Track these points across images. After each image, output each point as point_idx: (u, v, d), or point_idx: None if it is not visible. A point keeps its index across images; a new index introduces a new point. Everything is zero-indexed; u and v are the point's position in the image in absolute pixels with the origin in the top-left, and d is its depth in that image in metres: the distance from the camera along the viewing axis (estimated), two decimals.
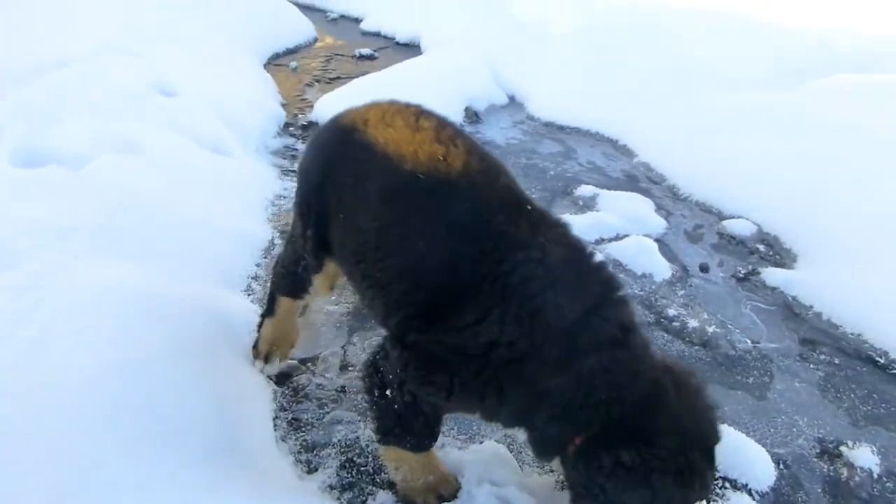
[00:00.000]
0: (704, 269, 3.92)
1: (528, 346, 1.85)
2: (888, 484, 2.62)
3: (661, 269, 3.82)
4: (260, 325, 2.92)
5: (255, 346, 2.92)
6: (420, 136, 2.16)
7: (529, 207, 2.06)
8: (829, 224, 4.18)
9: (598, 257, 2.03)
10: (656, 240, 4.13)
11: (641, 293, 3.62)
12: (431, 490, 2.31)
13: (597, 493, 1.85)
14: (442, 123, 2.28)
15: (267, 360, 2.87)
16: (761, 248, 4.18)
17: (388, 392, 2.15)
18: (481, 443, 2.58)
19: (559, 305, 1.85)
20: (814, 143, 4.95)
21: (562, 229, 2.04)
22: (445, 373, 1.96)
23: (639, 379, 1.86)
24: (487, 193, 2.04)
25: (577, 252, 2.00)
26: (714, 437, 1.91)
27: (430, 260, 2.02)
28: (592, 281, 1.94)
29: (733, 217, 4.46)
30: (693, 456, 1.82)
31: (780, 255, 4.11)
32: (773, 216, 4.40)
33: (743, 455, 2.62)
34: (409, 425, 2.16)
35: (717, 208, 4.58)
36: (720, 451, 2.58)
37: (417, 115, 2.28)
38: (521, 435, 2.13)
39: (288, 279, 2.70)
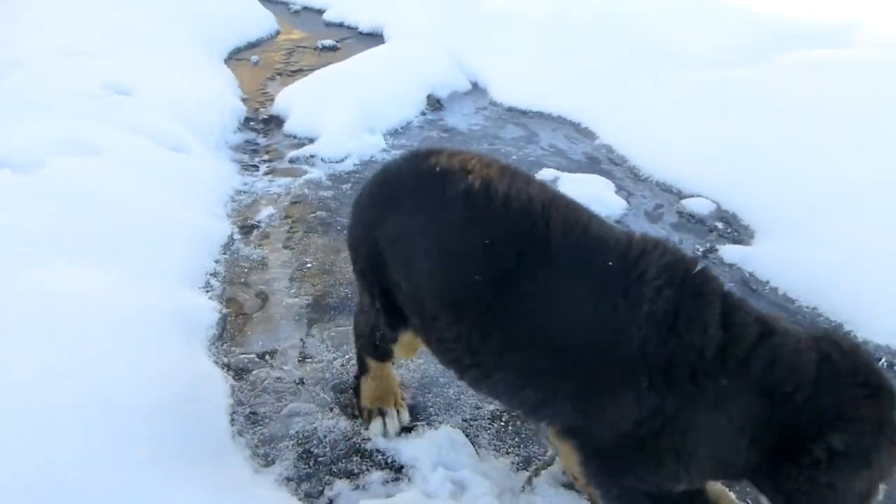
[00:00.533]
0: None
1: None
2: None
3: None
4: (356, 388, 2.67)
5: (359, 410, 2.67)
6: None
7: (628, 239, 1.90)
8: (786, 200, 4.23)
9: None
10: (617, 220, 4.16)
11: None
12: None
13: (824, 494, 1.68)
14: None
15: (375, 417, 2.60)
16: (720, 225, 4.23)
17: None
18: (437, 428, 2.60)
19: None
20: (773, 120, 5.00)
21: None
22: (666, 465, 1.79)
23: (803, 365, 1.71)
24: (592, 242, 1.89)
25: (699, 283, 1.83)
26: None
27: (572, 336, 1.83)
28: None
29: (693, 196, 4.50)
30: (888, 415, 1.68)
31: (737, 231, 4.16)
32: (731, 194, 4.44)
33: None
34: None
35: (677, 188, 4.62)
36: None
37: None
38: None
39: (369, 347, 2.49)
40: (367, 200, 2.27)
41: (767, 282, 3.67)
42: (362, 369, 2.60)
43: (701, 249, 3.94)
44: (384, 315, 2.29)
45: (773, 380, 1.70)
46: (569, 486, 2.42)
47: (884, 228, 3.77)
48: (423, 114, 5.75)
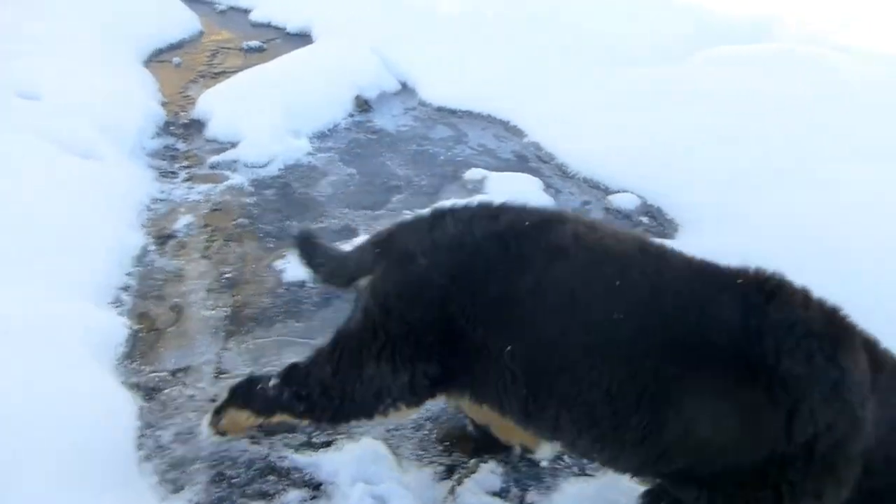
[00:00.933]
0: None
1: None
2: None
3: None
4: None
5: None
6: None
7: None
8: (708, 193, 4.29)
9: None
10: None
11: None
12: None
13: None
14: None
15: None
16: (645, 219, 4.26)
17: None
18: (357, 440, 2.51)
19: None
20: (696, 115, 5.08)
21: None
22: None
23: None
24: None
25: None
26: None
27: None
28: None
29: (619, 192, 4.52)
30: None
31: (662, 225, 4.20)
32: (656, 189, 4.48)
33: None
34: None
35: (604, 184, 4.64)
36: None
37: None
38: None
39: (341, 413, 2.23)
40: (444, 270, 1.96)
41: None
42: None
43: None
44: (424, 384, 2.05)
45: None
46: (494, 493, 2.38)
47: (802, 215, 3.86)
48: (351, 115, 5.63)
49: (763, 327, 1.71)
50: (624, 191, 4.52)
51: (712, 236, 3.89)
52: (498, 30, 6.65)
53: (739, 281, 1.82)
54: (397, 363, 2.02)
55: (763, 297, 1.77)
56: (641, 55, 6.16)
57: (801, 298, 1.79)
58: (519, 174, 4.64)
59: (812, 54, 5.91)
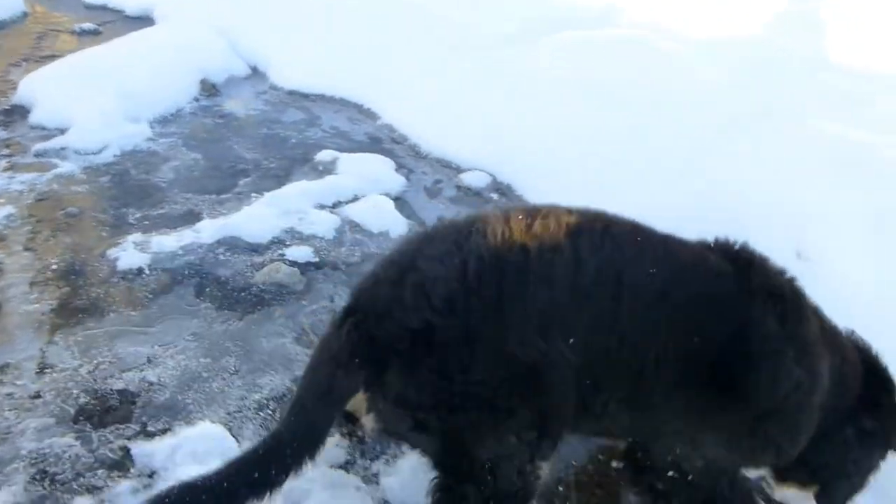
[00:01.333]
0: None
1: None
2: None
3: (398, 226, 3.85)
4: None
5: None
6: None
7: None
8: (555, 169, 4.47)
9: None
10: (396, 198, 4.16)
11: (377, 251, 3.62)
12: None
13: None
14: None
15: None
16: (495, 196, 4.38)
17: None
18: (195, 425, 2.41)
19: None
20: (542, 95, 5.27)
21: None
22: None
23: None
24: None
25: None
26: None
27: None
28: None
29: (470, 170, 4.61)
30: None
31: (512, 201, 4.32)
32: (505, 166, 4.61)
33: None
34: None
35: (455, 163, 4.71)
36: None
37: None
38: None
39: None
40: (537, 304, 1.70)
41: None
42: None
43: None
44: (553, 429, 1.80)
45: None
46: (339, 466, 2.36)
47: (646, 190, 4.09)
48: (197, 100, 5.39)
49: (753, 292, 1.86)
50: (475, 169, 4.61)
51: None
52: (349, 14, 6.58)
53: (712, 250, 1.97)
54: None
55: (743, 266, 1.92)
56: (490, 40, 6.30)
57: (772, 266, 1.97)
58: (371, 155, 4.62)
59: (652, 40, 6.27)
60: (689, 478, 1.92)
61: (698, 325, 1.82)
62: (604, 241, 1.83)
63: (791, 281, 1.97)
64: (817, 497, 2.09)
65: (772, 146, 3.90)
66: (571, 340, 1.69)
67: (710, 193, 3.69)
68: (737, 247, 1.99)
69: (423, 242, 1.78)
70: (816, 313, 2.01)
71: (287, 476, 1.64)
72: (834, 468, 2.03)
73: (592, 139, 4.70)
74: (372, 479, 2.34)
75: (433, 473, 1.79)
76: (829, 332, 2.00)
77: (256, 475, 1.61)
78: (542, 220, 1.80)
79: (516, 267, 1.70)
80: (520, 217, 1.81)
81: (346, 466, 2.37)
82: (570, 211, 1.91)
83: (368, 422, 1.78)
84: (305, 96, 5.66)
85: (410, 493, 2.28)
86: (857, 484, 2.08)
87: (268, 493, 1.62)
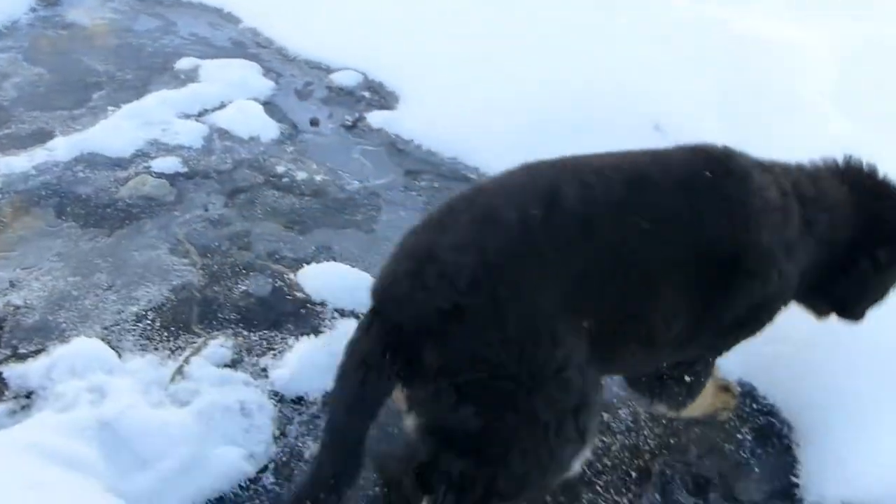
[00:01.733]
0: (315, 122, 3.94)
1: None
2: None
3: (269, 130, 3.76)
4: None
5: None
6: None
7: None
8: (424, 66, 4.43)
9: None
10: (265, 102, 4.03)
11: (249, 156, 3.54)
12: None
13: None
14: None
15: None
16: (367, 94, 4.31)
17: None
18: (69, 342, 2.35)
19: None
20: None
21: None
22: None
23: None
24: None
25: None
26: None
27: None
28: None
29: (341, 70, 4.51)
30: None
31: (384, 98, 4.28)
32: (376, 64, 4.53)
33: (354, 287, 2.75)
34: None
35: (325, 63, 4.59)
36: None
37: None
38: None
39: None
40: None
41: (412, 140, 3.85)
42: None
43: (351, 119, 3.98)
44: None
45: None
46: (225, 365, 2.38)
47: (501, 88, 4.13)
48: (34, 10, 4.93)
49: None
50: (346, 69, 4.51)
51: (429, 108, 4.06)
52: None
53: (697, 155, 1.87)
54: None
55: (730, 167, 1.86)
56: None
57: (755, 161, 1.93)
58: (236, 60, 4.42)
59: None
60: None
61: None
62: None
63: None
64: (839, 313, 2.13)
65: (629, 25, 4.02)
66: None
67: (571, 75, 3.80)
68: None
69: (436, 232, 1.69)
70: (762, 165, 1.96)
71: (340, 499, 1.60)
72: (854, 296, 2.07)
73: (461, 35, 4.67)
74: (261, 374, 2.38)
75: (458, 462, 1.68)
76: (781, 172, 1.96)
77: None
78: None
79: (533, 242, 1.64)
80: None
81: (234, 364, 2.39)
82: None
83: (410, 419, 1.69)
84: (159, 2, 5.29)
85: (301, 383, 2.36)
86: (879, 298, 2.11)
87: None
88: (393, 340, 1.58)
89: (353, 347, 1.64)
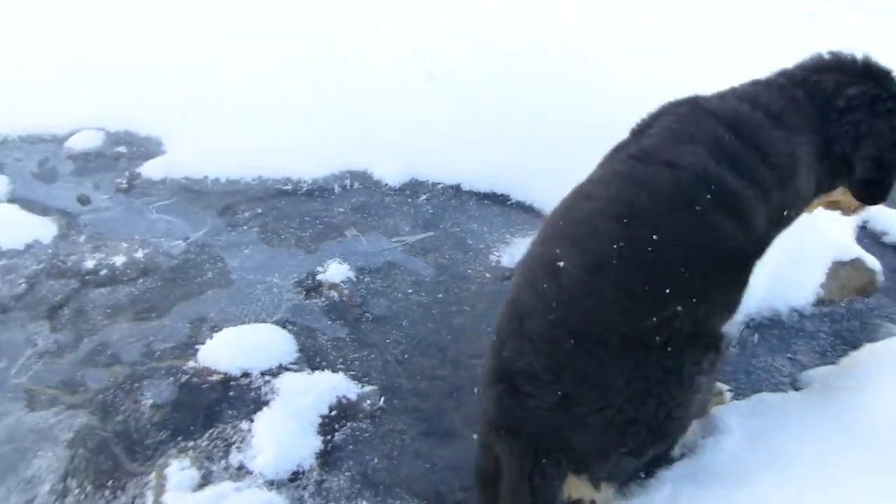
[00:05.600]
0: (84, 200, 3.41)
1: None
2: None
3: (41, 228, 3.17)
4: None
5: None
6: None
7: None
8: (169, 102, 4.05)
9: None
10: (10, 200, 3.39)
11: (40, 266, 2.95)
12: None
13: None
14: None
15: None
16: (123, 149, 3.82)
17: None
18: None
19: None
20: None
21: None
22: None
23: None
24: None
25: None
26: None
27: None
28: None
29: (73, 133, 3.91)
30: None
31: (144, 147, 3.84)
32: (110, 115, 4.04)
33: (265, 342, 2.53)
34: None
35: (49, 133, 3.96)
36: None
37: None
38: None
39: None
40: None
41: (205, 177, 3.53)
42: None
43: (124, 181, 3.52)
44: None
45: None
46: (198, 486, 2.07)
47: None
48: None
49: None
50: (78, 130, 3.93)
51: (205, 134, 3.75)
52: None
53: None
54: None
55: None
56: None
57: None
58: None
59: None
60: None
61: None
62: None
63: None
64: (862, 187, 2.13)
65: None
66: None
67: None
68: None
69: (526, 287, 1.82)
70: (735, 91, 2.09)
71: None
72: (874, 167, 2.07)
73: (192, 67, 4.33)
74: (242, 473, 2.11)
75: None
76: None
77: None
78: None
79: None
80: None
81: (209, 480, 2.09)
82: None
83: (602, 496, 1.74)
84: None
85: (287, 459, 2.15)
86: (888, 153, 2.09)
87: None
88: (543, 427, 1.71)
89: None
